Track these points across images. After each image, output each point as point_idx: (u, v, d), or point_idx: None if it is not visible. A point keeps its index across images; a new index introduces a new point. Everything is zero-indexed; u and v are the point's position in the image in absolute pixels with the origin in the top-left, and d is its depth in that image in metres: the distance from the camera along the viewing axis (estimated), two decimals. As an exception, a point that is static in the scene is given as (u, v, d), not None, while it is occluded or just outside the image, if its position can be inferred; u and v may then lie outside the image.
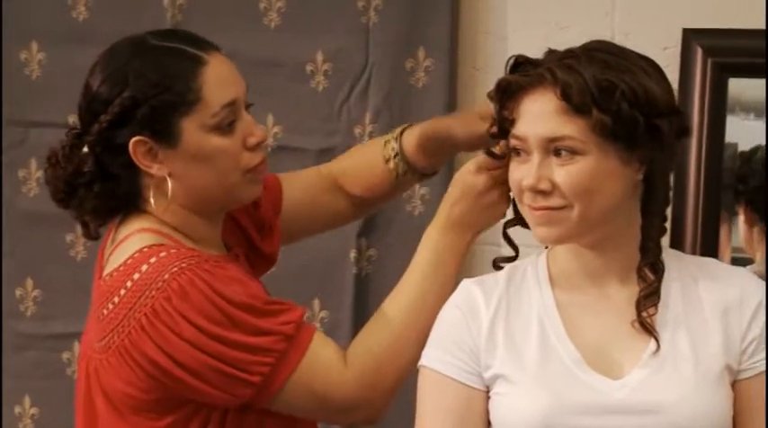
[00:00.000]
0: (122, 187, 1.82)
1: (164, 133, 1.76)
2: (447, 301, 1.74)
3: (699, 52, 2.31)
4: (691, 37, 2.32)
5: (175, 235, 1.81)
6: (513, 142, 1.68)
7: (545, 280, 1.72)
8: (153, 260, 1.74)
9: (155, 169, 1.78)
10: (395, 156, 2.01)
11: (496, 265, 1.80)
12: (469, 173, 1.82)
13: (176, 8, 2.54)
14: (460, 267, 1.84)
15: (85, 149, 1.79)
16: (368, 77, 2.48)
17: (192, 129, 1.77)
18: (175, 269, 1.72)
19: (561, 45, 1.71)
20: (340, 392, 1.77)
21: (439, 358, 1.70)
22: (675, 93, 2.30)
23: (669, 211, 2.25)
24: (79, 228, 2.56)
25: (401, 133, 2.02)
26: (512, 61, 1.69)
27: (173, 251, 1.75)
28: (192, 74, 1.76)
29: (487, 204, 1.83)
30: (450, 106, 2.44)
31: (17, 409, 2.68)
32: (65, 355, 2.65)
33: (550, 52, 1.69)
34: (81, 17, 2.58)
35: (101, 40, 2.50)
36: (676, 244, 2.28)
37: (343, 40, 2.47)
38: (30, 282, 2.66)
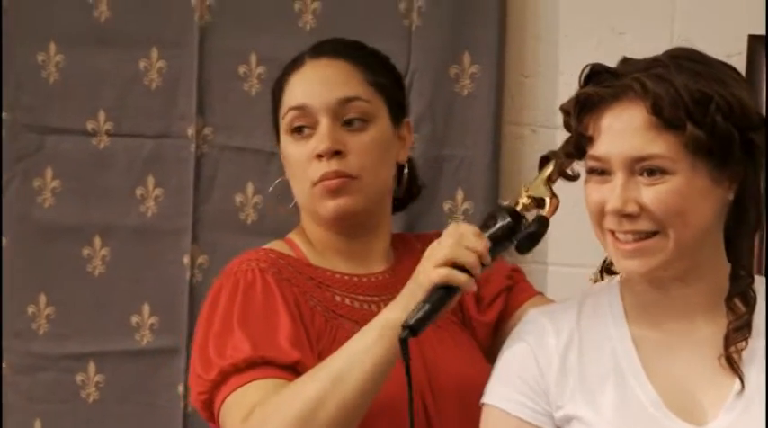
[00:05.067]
0: None
1: (276, 133, 1.91)
2: (513, 333, 1.61)
3: (765, 60, 2.24)
4: (757, 44, 2.24)
5: (303, 244, 1.87)
6: (590, 163, 1.54)
7: (620, 313, 1.61)
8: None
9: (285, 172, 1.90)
10: None
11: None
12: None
13: (204, 9, 2.47)
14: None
15: None
16: (409, 84, 2.39)
17: (281, 130, 1.88)
18: (244, 265, 1.78)
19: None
20: None
21: (506, 396, 1.59)
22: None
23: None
24: (97, 242, 2.56)
25: None
26: (587, 70, 1.58)
27: (261, 253, 1.81)
28: (286, 75, 1.90)
29: None
30: (497, 116, 2.37)
31: (28, 434, 2.60)
32: (79, 377, 2.55)
33: (625, 61, 1.58)
34: (103, 17, 2.50)
35: (124, 42, 2.52)
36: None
37: (383, 44, 2.36)
38: (43, 299, 2.56)
